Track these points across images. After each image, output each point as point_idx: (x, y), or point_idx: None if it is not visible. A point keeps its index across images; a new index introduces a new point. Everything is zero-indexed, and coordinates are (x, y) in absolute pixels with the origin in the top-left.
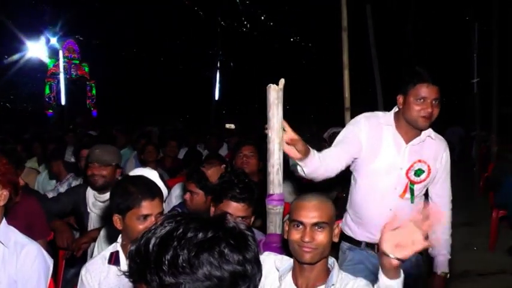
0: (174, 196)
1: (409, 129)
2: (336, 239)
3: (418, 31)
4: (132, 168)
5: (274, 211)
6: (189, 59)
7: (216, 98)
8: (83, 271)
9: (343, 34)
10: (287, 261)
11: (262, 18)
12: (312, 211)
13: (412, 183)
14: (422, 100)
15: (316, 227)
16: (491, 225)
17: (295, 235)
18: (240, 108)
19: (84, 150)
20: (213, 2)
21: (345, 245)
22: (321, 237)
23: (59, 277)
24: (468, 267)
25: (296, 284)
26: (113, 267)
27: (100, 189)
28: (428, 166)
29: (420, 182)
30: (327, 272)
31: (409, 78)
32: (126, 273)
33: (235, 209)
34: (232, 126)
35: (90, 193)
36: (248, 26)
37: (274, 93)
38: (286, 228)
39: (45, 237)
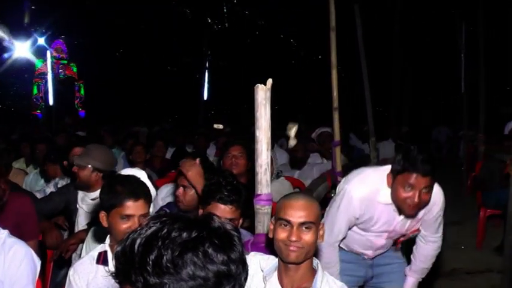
0: (160, 197)
1: None
2: (320, 240)
3: (406, 31)
4: (120, 168)
5: (262, 211)
6: (178, 59)
7: (205, 98)
8: (71, 271)
9: (331, 34)
10: (272, 262)
11: (249, 17)
12: (299, 210)
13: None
14: (410, 188)
15: (303, 227)
16: (479, 224)
17: (282, 234)
18: (229, 109)
19: (77, 149)
20: (201, 2)
21: None
22: (308, 237)
23: (46, 278)
24: (456, 265)
25: (281, 285)
26: (101, 267)
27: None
28: (417, 230)
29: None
30: (312, 272)
31: (402, 160)
32: (112, 274)
33: (222, 211)
34: (221, 126)
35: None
36: (236, 26)
37: (262, 93)
38: (272, 227)
39: (35, 238)
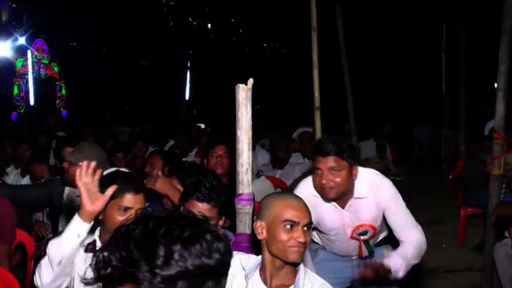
0: None
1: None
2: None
3: (387, 31)
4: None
5: (244, 211)
6: (160, 58)
7: (187, 98)
8: None
9: (313, 34)
10: (253, 260)
11: (231, 18)
12: (303, 211)
13: (363, 240)
14: (320, 171)
15: (305, 228)
16: (460, 223)
17: (286, 235)
18: (211, 108)
19: (69, 148)
20: (183, 2)
21: (314, 245)
22: (308, 237)
23: (27, 276)
24: (437, 264)
25: (265, 283)
26: (90, 255)
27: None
28: (371, 226)
29: (369, 238)
30: (295, 270)
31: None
32: (89, 280)
33: (199, 209)
34: (203, 126)
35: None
36: (218, 26)
37: (243, 93)
38: (259, 228)
39: (8, 242)
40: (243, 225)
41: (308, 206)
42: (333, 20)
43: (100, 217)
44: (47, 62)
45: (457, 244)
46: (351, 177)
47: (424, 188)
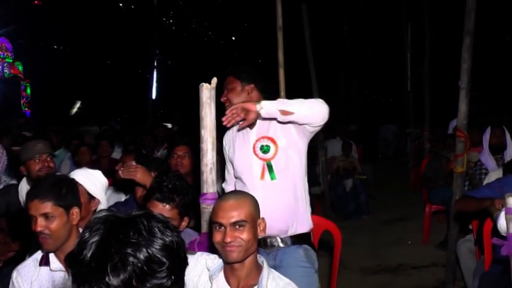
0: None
1: None
2: (262, 234)
3: (353, 30)
4: (67, 169)
5: (208, 210)
6: (126, 57)
7: (154, 97)
8: (14, 274)
9: (278, 33)
10: (218, 261)
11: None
12: (229, 211)
13: (266, 160)
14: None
15: (236, 226)
16: (424, 219)
17: (217, 236)
18: (178, 108)
19: (15, 148)
20: (149, 1)
21: None
22: (243, 235)
23: None
24: (402, 261)
25: (228, 283)
26: (43, 269)
27: None
28: (273, 140)
29: (271, 158)
30: (258, 269)
31: None
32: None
33: (160, 209)
34: (169, 125)
35: (24, 188)
36: (183, 25)
37: (207, 92)
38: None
39: None
40: (208, 225)
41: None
42: (298, 19)
43: None
44: (11, 61)
45: (422, 240)
46: (244, 94)
47: (389, 186)
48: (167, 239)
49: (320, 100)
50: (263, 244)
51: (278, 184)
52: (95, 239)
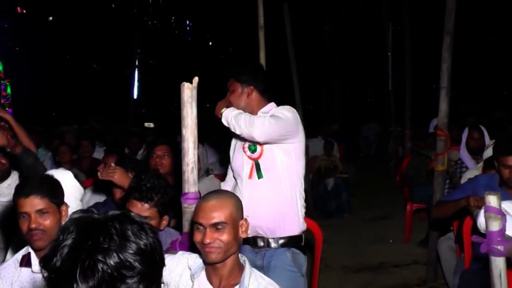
0: (85, 201)
1: None
2: (244, 235)
3: (335, 30)
4: (48, 169)
5: (190, 209)
6: (108, 57)
7: (135, 96)
8: None
9: (260, 32)
10: (200, 260)
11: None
12: (210, 212)
13: (253, 159)
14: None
15: (216, 227)
16: (406, 218)
17: (198, 237)
18: (160, 107)
19: None
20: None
21: None
22: (223, 236)
23: None
24: (384, 259)
25: (211, 283)
26: (24, 269)
27: None
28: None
29: (258, 157)
30: (240, 268)
31: None
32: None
33: (139, 209)
34: (152, 125)
35: None
36: (165, 24)
37: (188, 92)
38: (194, 230)
39: None
40: (189, 224)
41: None
42: (280, 19)
43: None
44: None
45: (403, 239)
46: (244, 97)
47: (371, 184)
48: (141, 242)
49: (267, 122)
50: (252, 243)
51: (265, 183)
52: (67, 242)
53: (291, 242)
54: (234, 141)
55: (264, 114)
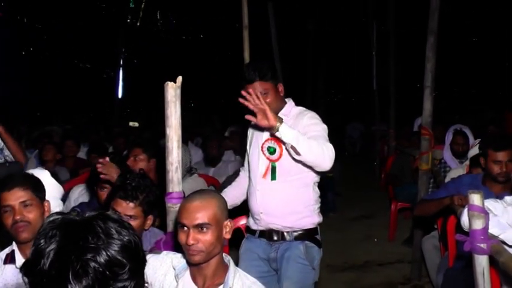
0: (73, 199)
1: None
2: (228, 236)
3: (319, 29)
4: (33, 167)
5: (174, 209)
6: (92, 56)
7: (120, 96)
8: None
9: (244, 32)
10: (184, 260)
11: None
12: (193, 213)
13: (271, 161)
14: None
15: (199, 229)
16: (390, 217)
17: (182, 237)
18: (145, 106)
19: None
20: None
21: (246, 235)
22: (205, 238)
23: None
24: (368, 258)
25: (195, 282)
26: (8, 266)
27: None
28: (280, 145)
29: (276, 160)
30: (224, 268)
31: None
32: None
33: (124, 208)
34: (136, 124)
35: None
36: (150, 24)
37: (172, 91)
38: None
39: None
40: (174, 224)
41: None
42: (265, 18)
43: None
44: None
45: (388, 238)
46: (278, 95)
47: (356, 183)
48: (125, 239)
49: (331, 152)
50: (267, 236)
51: (277, 185)
52: (52, 246)
53: (306, 234)
54: (250, 133)
55: (297, 114)
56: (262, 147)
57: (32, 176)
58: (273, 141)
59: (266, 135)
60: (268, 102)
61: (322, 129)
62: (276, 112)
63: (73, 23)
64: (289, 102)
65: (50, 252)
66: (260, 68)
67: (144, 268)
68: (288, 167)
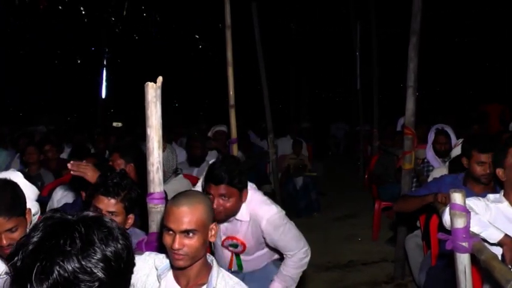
0: (56, 200)
1: None
2: (213, 239)
3: (303, 29)
4: (16, 168)
5: (156, 209)
6: (75, 56)
7: (103, 96)
8: None
9: (227, 31)
10: (167, 260)
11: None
12: (180, 217)
13: (234, 252)
14: (211, 196)
15: (186, 234)
16: (374, 216)
17: (167, 240)
18: (128, 106)
19: None
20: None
21: None
22: (192, 241)
23: None
24: (352, 257)
25: (178, 282)
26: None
27: None
28: (242, 242)
29: (241, 252)
30: (208, 268)
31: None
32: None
33: (105, 204)
34: (120, 124)
35: None
36: (134, 24)
37: (152, 91)
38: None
39: None
40: (155, 224)
41: None
42: (248, 18)
43: None
44: None
45: (372, 237)
46: (240, 202)
47: (340, 183)
48: (108, 249)
49: (306, 256)
50: None
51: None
52: (33, 240)
53: None
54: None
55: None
56: (223, 243)
57: (10, 193)
58: (233, 240)
59: (222, 234)
60: (228, 207)
61: (286, 236)
62: (230, 216)
63: (56, 22)
64: (243, 205)
65: (28, 246)
66: (231, 172)
67: (127, 277)
68: (253, 254)
